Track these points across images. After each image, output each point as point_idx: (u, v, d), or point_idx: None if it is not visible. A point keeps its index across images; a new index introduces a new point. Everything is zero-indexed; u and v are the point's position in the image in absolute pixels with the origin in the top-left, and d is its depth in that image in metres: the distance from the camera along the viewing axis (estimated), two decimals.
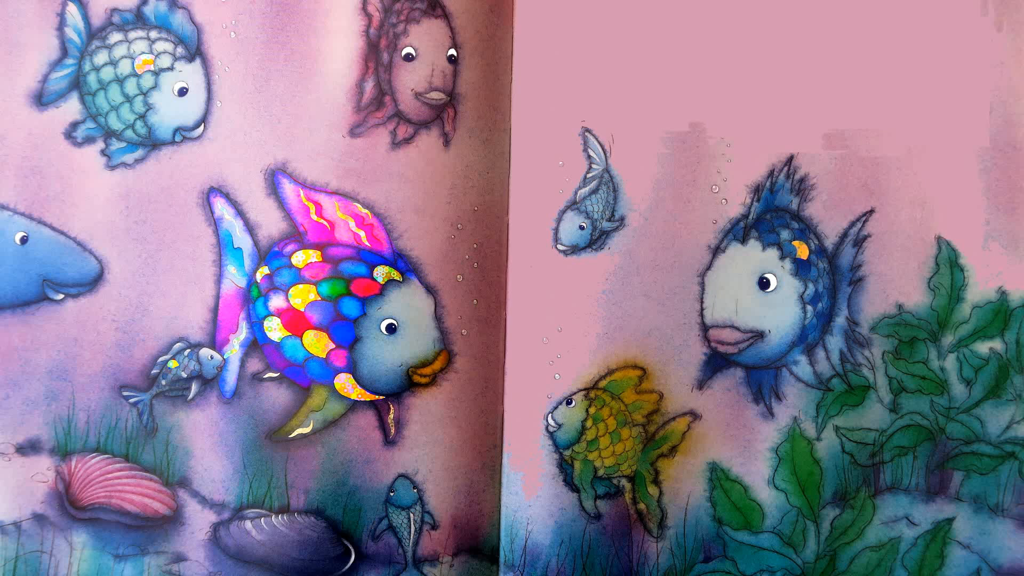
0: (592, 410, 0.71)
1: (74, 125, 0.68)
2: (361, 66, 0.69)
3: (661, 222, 0.70)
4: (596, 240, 0.70)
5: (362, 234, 0.70)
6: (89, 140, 0.68)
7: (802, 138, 0.71)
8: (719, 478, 0.72)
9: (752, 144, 0.70)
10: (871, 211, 0.71)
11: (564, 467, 0.71)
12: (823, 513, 0.73)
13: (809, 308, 0.71)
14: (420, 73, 0.69)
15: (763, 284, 0.71)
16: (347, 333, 0.70)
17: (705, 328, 0.71)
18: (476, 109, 0.70)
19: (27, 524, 0.71)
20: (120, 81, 0.68)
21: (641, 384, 0.71)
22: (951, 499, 0.74)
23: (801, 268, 0.71)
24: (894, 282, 0.72)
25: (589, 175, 0.69)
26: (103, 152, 0.68)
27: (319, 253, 0.70)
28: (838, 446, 0.73)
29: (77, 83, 0.67)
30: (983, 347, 0.73)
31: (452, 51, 0.69)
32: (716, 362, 0.71)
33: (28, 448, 0.70)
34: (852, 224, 0.72)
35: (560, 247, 0.70)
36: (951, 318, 0.73)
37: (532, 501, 0.71)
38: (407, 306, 0.70)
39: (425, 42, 0.69)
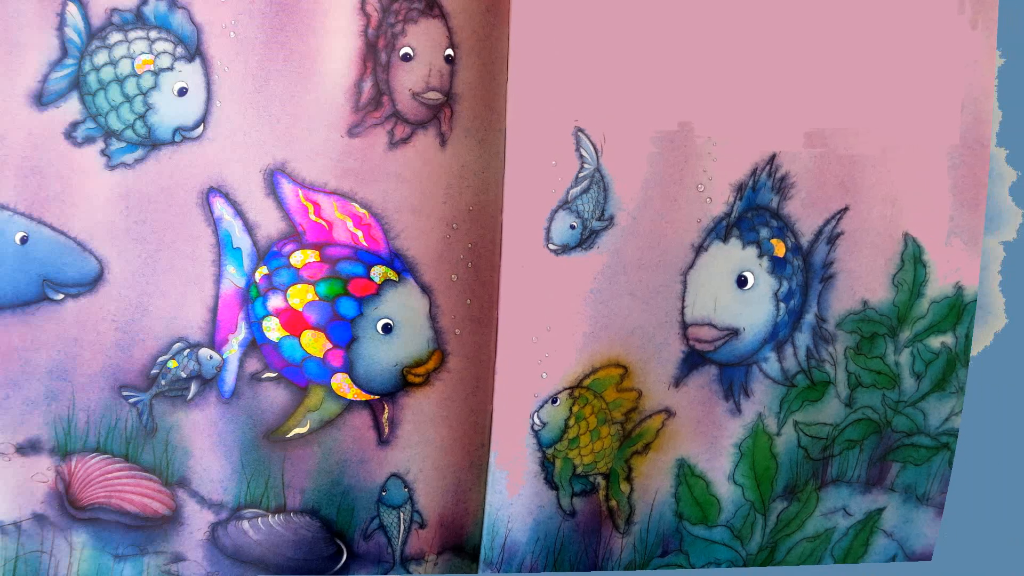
0: (575, 408, 0.71)
1: (74, 125, 0.67)
2: (359, 66, 0.68)
3: (648, 221, 0.71)
4: (586, 239, 0.70)
5: (359, 234, 0.70)
6: (89, 140, 0.67)
7: (785, 136, 0.72)
8: (685, 474, 0.73)
9: (737, 143, 0.71)
10: (845, 208, 0.72)
11: (546, 465, 0.72)
12: (772, 506, 0.74)
13: (782, 305, 0.72)
14: (417, 73, 0.69)
15: (741, 282, 0.72)
16: (344, 333, 0.70)
17: (685, 326, 0.72)
18: (472, 109, 0.70)
19: (27, 524, 0.70)
20: (120, 81, 0.67)
21: (622, 382, 0.72)
22: (885, 490, 0.76)
23: (777, 266, 0.72)
24: (862, 279, 0.73)
25: (580, 174, 0.70)
26: (103, 152, 0.67)
27: (317, 253, 0.70)
28: (795, 441, 0.74)
29: (77, 83, 0.67)
30: (936, 341, 0.74)
31: (449, 51, 0.69)
32: (693, 360, 0.72)
33: (28, 448, 0.69)
34: (827, 222, 0.72)
35: (551, 246, 0.70)
36: (910, 313, 0.74)
37: (514, 499, 0.72)
38: (403, 306, 0.70)
39: (423, 42, 0.69)
